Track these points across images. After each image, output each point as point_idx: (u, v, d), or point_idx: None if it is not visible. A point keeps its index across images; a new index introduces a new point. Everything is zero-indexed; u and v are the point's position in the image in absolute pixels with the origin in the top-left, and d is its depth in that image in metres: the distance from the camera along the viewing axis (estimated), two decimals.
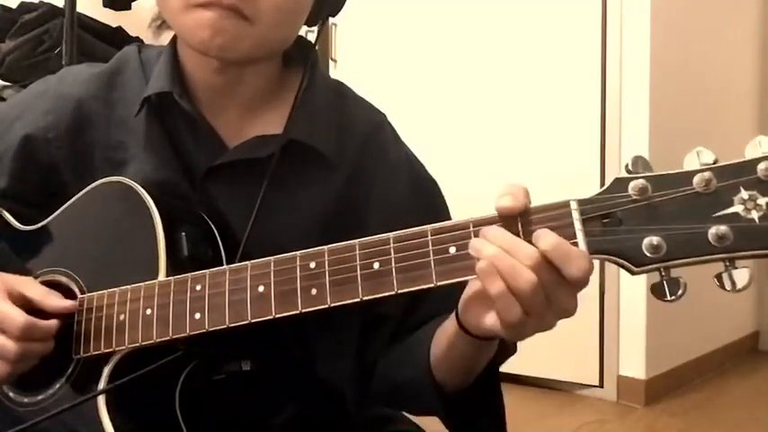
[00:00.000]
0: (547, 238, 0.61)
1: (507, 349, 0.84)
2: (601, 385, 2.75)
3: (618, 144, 2.70)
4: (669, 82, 2.75)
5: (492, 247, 0.62)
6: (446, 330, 0.75)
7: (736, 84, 3.39)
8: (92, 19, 2.29)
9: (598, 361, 2.75)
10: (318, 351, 0.86)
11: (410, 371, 0.81)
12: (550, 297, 0.62)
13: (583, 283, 0.62)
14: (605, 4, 2.71)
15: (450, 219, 0.93)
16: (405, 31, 3.05)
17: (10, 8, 2.29)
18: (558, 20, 2.79)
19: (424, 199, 0.91)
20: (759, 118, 3.51)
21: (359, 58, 3.12)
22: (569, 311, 0.63)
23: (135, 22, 2.37)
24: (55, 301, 0.80)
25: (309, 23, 0.89)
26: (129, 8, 2.28)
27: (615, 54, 2.70)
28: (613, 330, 2.71)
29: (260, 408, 0.85)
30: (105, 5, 2.24)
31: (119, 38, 2.33)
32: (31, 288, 0.81)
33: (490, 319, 0.65)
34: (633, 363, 2.69)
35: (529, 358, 2.92)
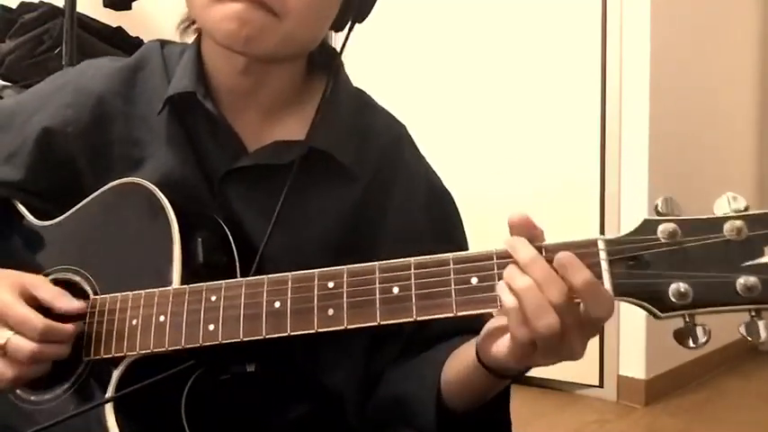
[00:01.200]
0: (581, 273, 0.60)
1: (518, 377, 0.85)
2: (601, 385, 2.75)
3: (618, 144, 2.70)
4: (669, 82, 2.75)
5: (524, 278, 0.61)
6: (461, 359, 0.75)
7: (737, 84, 3.39)
8: (92, 19, 2.29)
9: (598, 361, 2.75)
10: (325, 358, 0.86)
11: (416, 387, 0.80)
12: (565, 338, 0.61)
13: (599, 325, 0.62)
14: (605, 4, 2.71)
15: (463, 231, 0.93)
16: (406, 32, 3.05)
17: (10, 8, 2.28)
18: (558, 21, 2.79)
19: (439, 213, 0.90)
20: (759, 118, 3.51)
21: (360, 59, 3.12)
22: (576, 354, 0.63)
23: (135, 22, 2.37)
24: (66, 302, 0.79)
25: (336, 28, 0.88)
26: (130, 8, 2.28)
27: (615, 54, 2.70)
28: (613, 330, 2.71)
29: (263, 409, 0.85)
30: (105, 5, 2.24)
31: (119, 38, 2.33)
32: (43, 289, 0.80)
33: (499, 344, 0.66)
34: (633, 363, 2.69)
35: None
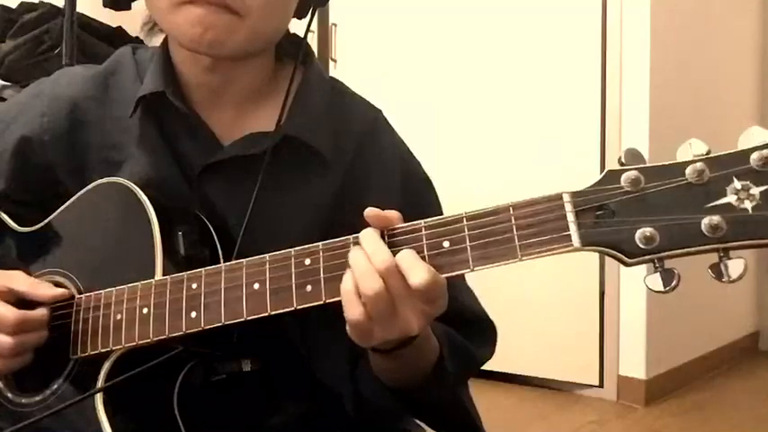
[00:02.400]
0: (401, 251, 0.65)
1: (471, 357, 0.86)
2: (601, 385, 2.75)
3: (618, 146, 2.70)
4: (669, 82, 2.75)
5: (358, 250, 0.66)
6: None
7: (736, 84, 3.39)
8: (92, 19, 2.29)
9: (598, 361, 2.75)
10: (316, 353, 0.86)
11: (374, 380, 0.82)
12: (396, 306, 0.65)
13: (425, 294, 0.64)
14: (605, 8, 2.71)
15: (441, 214, 0.93)
16: (405, 32, 3.05)
17: (10, 8, 2.28)
18: (558, 21, 2.79)
19: (414, 196, 0.90)
20: (759, 119, 3.51)
21: (359, 58, 3.12)
22: (411, 328, 0.66)
23: (135, 22, 2.37)
24: (44, 290, 0.81)
25: (299, 15, 0.89)
26: (130, 8, 2.27)
27: (615, 54, 2.71)
28: (613, 330, 2.71)
29: (259, 408, 0.85)
30: (105, 5, 2.24)
31: (119, 38, 2.33)
32: (18, 281, 0.82)
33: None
34: (633, 363, 2.69)
35: (529, 358, 2.94)
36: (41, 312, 0.79)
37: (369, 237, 0.67)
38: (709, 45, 3.06)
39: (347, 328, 0.68)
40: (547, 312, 2.79)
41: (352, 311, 0.65)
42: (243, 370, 0.80)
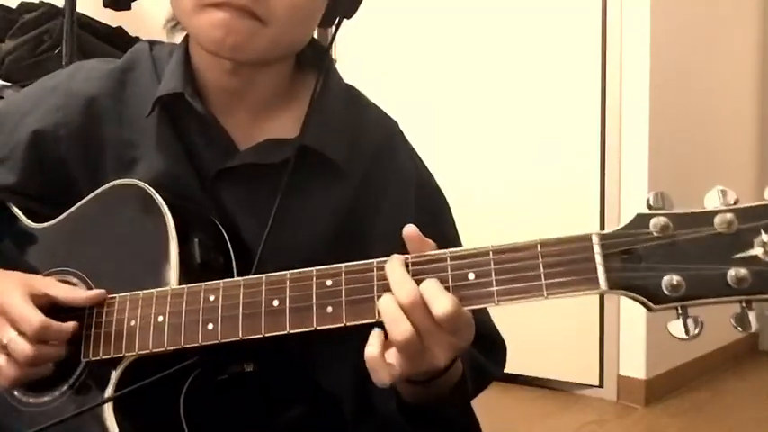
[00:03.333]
0: (425, 281, 0.65)
1: (484, 374, 0.87)
2: (601, 385, 2.75)
3: (618, 144, 2.69)
4: (670, 82, 2.75)
5: (388, 297, 0.66)
6: None
7: (738, 84, 3.38)
8: (92, 19, 2.29)
9: (598, 361, 2.75)
10: (321, 358, 0.86)
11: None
12: (423, 341, 0.65)
13: (450, 325, 0.64)
14: (605, 8, 2.71)
15: (455, 227, 0.93)
16: (405, 32, 3.05)
17: (10, 8, 2.28)
18: (558, 21, 2.79)
19: (430, 211, 0.90)
20: (759, 117, 3.50)
21: (359, 58, 3.12)
22: (438, 362, 0.67)
23: (135, 22, 2.37)
24: (81, 293, 0.79)
25: (323, 24, 0.88)
26: (130, 8, 2.27)
27: (615, 53, 2.70)
28: (613, 330, 2.71)
29: (262, 409, 0.85)
30: (105, 5, 2.24)
31: (119, 38, 2.34)
32: (55, 287, 0.80)
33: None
34: (633, 363, 2.69)
35: (529, 358, 2.93)
36: (66, 325, 0.77)
37: (394, 267, 0.66)
38: (709, 45, 3.06)
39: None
40: (547, 312, 2.78)
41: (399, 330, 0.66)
42: (245, 370, 0.79)
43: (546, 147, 2.80)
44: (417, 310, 0.64)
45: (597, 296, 2.72)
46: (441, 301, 0.63)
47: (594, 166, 2.72)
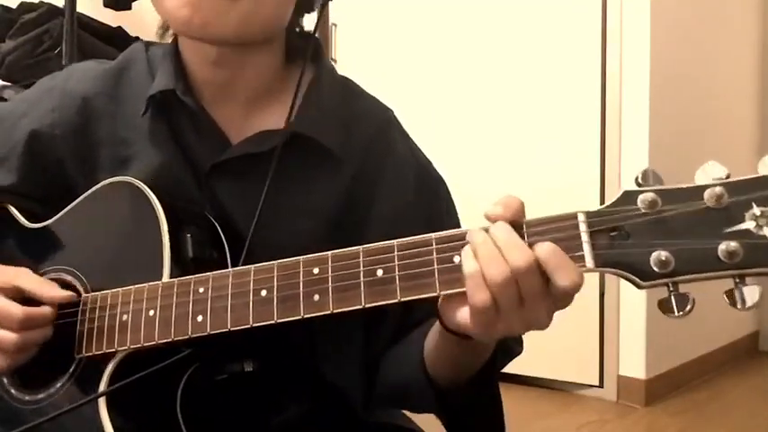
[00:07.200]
0: (545, 245, 0.60)
1: (509, 351, 0.84)
2: (601, 385, 2.76)
3: (618, 146, 2.70)
4: (669, 82, 2.75)
5: (483, 234, 0.61)
6: (434, 330, 0.75)
7: (737, 83, 3.39)
8: (92, 19, 2.29)
9: (598, 361, 2.75)
10: (324, 353, 0.86)
11: (406, 368, 0.81)
12: (526, 300, 0.61)
13: (567, 297, 0.60)
14: (605, 9, 2.71)
15: (456, 216, 0.93)
16: (405, 32, 3.05)
17: (10, 8, 2.28)
18: (558, 21, 2.79)
19: (429, 198, 0.90)
20: (759, 117, 3.51)
21: (359, 58, 3.12)
22: (541, 323, 0.62)
23: (135, 22, 2.37)
24: (51, 291, 0.81)
25: (307, 9, 0.88)
26: (130, 8, 2.27)
27: (615, 55, 2.70)
28: (613, 330, 2.71)
29: (262, 408, 0.85)
30: (105, 5, 2.24)
31: (119, 38, 2.33)
32: (26, 279, 0.81)
33: (462, 312, 0.64)
34: (633, 363, 2.69)
35: (529, 358, 2.92)
36: (47, 310, 0.79)
37: (501, 226, 0.61)
38: (709, 45, 3.06)
39: (469, 320, 0.63)
40: None
41: (479, 297, 0.61)
42: (245, 370, 0.79)
43: (546, 146, 2.80)
44: (531, 276, 0.59)
45: (597, 296, 2.72)
46: (566, 272, 0.59)
47: (594, 166, 2.72)
